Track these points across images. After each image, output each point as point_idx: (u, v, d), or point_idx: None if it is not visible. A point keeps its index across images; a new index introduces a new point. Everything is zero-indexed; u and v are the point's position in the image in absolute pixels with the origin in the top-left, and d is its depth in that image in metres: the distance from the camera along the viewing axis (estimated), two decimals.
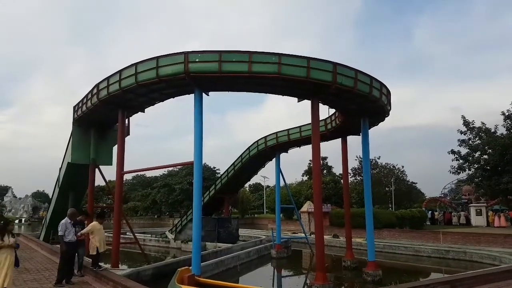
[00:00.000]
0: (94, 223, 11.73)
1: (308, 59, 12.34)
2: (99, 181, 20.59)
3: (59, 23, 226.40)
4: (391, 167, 57.87)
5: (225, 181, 29.69)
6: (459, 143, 32.56)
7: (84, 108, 16.83)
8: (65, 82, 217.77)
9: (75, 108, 18.40)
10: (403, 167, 58.35)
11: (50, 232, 24.74)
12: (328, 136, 19.94)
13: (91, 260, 11.91)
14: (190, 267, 10.85)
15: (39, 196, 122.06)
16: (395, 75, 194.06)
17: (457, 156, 32.78)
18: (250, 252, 21.97)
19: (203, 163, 13.71)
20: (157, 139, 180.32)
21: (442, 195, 53.29)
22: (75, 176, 20.17)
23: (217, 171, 66.43)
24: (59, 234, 10.60)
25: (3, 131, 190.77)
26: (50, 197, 31.10)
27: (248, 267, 20.10)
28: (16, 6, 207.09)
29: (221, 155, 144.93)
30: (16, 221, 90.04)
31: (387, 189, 52.57)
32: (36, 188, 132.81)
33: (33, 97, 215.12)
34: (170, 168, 73.55)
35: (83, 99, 17.15)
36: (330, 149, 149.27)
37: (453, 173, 33.45)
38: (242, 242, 27.20)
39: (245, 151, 26.95)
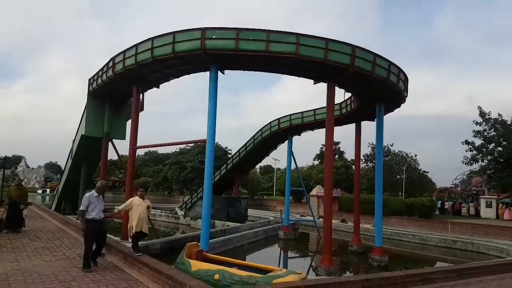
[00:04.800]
0: (134, 198, 9.89)
1: (327, 40, 12.17)
2: (111, 155, 20.82)
3: None
4: (404, 155, 57.32)
5: (237, 161, 29.73)
6: (474, 134, 32.22)
7: (99, 81, 16.88)
8: (82, 56, 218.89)
9: (90, 81, 18.45)
10: (415, 155, 57.77)
11: (61, 202, 25.24)
12: (342, 120, 19.80)
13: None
14: (199, 243, 10.96)
15: (52, 167, 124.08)
16: (411, 63, 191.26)
17: (471, 146, 32.46)
18: (258, 232, 22.16)
19: (215, 142, 13.69)
20: (170, 117, 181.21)
21: (453, 185, 52.79)
22: (88, 149, 20.40)
23: (229, 151, 66.55)
24: (80, 209, 8.60)
25: (19, 102, 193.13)
26: (63, 169, 31.52)
27: (256, 246, 20.31)
28: None
29: (233, 136, 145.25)
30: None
31: (398, 176, 52.18)
32: (49, 159, 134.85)
33: (49, 69, 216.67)
34: (182, 146, 74.13)
35: (98, 72, 17.18)
36: (343, 134, 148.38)
37: (466, 163, 33.22)
38: (251, 222, 27.45)
39: (257, 132, 26.89)
